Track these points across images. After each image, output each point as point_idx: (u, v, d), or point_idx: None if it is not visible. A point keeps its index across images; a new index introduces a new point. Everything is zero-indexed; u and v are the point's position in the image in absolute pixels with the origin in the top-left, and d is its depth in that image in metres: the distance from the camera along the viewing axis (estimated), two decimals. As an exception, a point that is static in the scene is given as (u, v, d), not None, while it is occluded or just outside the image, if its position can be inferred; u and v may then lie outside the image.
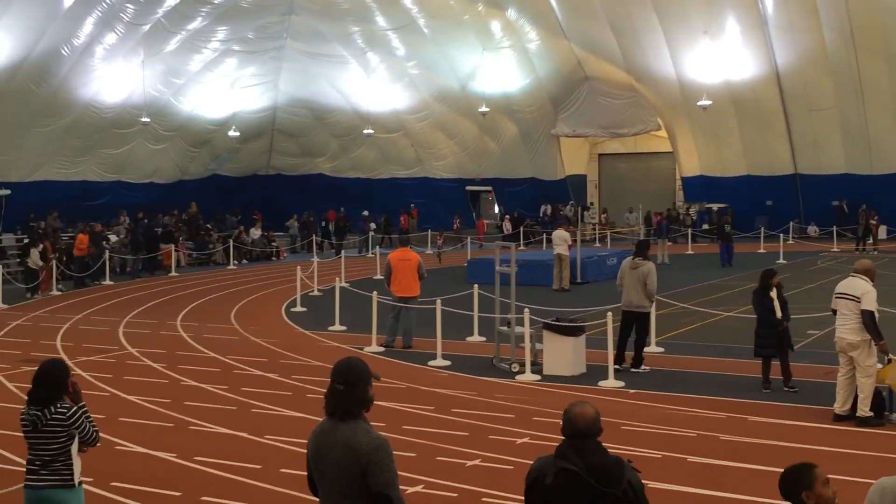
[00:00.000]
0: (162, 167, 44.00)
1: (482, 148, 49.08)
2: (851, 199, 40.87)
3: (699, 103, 39.34)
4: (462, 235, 44.16)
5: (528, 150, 48.88)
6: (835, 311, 11.81)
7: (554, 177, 50.24)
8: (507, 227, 46.14)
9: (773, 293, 13.49)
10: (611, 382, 14.00)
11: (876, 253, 35.56)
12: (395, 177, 51.01)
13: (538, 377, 14.56)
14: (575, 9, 42.15)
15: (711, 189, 45.82)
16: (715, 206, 44.58)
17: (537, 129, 48.32)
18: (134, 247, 33.58)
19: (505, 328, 15.61)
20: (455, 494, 9.04)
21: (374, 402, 4.93)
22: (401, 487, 4.82)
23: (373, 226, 43.57)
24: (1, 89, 32.10)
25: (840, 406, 11.70)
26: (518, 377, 14.61)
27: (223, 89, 43.53)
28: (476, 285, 18.99)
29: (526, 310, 15.01)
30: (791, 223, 41.99)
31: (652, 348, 16.35)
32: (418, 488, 9.12)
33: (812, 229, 43.75)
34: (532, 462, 4.87)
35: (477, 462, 10.09)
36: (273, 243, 41.48)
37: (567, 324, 15.04)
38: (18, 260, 30.06)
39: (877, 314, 11.44)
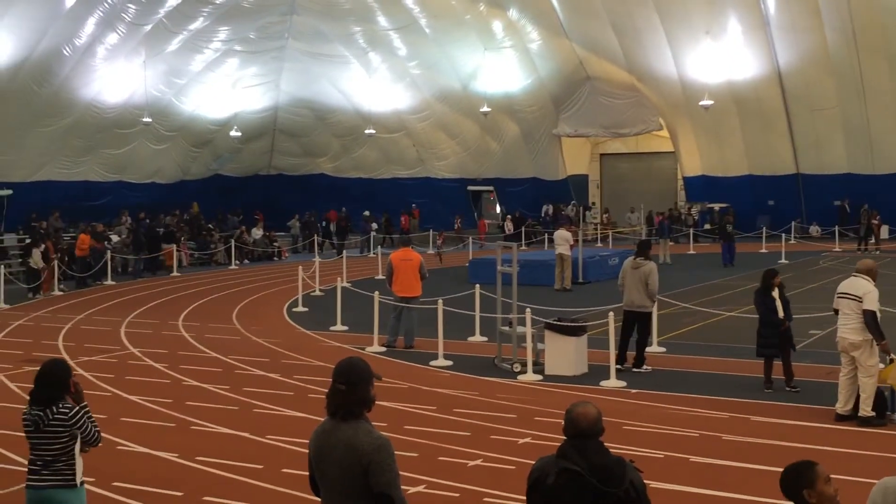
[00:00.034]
0: (164, 167, 44.02)
1: (484, 148, 49.08)
2: (853, 198, 40.83)
3: (701, 103, 39.32)
4: (463, 235, 44.15)
5: (530, 150, 48.88)
6: (836, 311, 11.81)
7: (555, 177, 50.22)
8: (509, 227, 46.12)
9: (776, 293, 13.48)
10: (613, 382, 14.00)
11: (878, 253, 35.53)
12: (397, 177, 51.01)
13: (540, 377, 14.56)
14: (576, 9, 42.14)
15: (713, 189, 45.80)
16: (717, 206, 44.57)
17: (539, 129, 48.31)
18: (136, 247, 33.59)
19: (507, 328, 15.60)
20: (457, 494, 9.04)
21: (376, 402, 4.93)
22: (402, 487, 4.82)
23: (374, 226, 43.58)
24: (3, 89, 32.12)
25: (842, 406, 11.69)
26: (520, 377, 14.61)
27: (225, 89, 43.56)
28: (478, 285, 18.99)
29: (528, 310, 15.00)
30: (793, 223, 41.96)
31: (654, 348, 16.34)
32: (420, 488, 9.12)
33: (814, 229, 43.72)
34: (534, 462, 4.87)
35: (479, 462, 10.09)
36: (275, 243, 41.48)
37: (569, 324, 15.04)
38: (20, 260, 30.07)
39: (878, 314, 11.43)
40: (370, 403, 4.86)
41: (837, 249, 37.82)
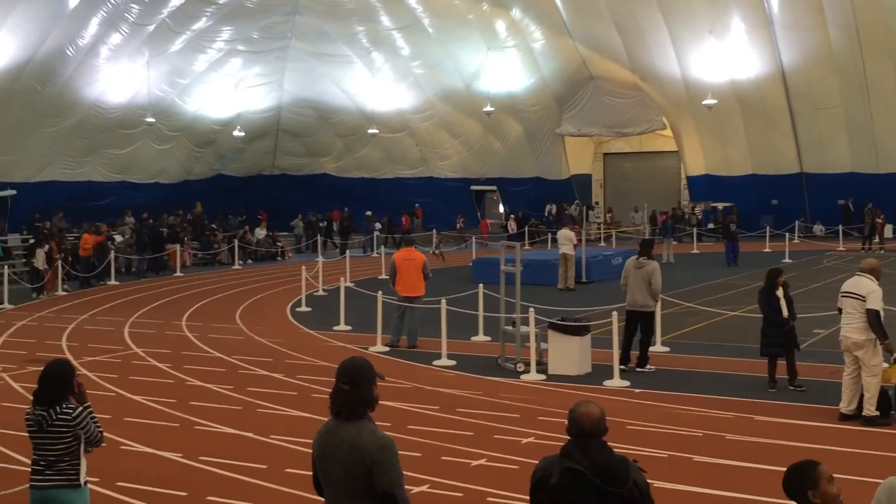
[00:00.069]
0: (167, 167, 44.06)
1: (487, 147, 49.07)
2: (857, 197, 40.81)
3: (704, 102, 39.30)
4: (466, 235, 44.16)
5: (533, 150, 48.86)
6: (840, 311, 11.79)
7: (559, 176, 50.20)
8: (512, 226, 46.11)
9: (780, 292, 13.47)
10: (616, 382, 13.99)
11: (882, 252, 35.49)
12: (400, 176, 51.02)
13: (543, 377, 14.55)
14: (580, 8, 42.12)
15: (717, 188, 45.76)
16: (720, 206, 44.55)
17: (542, 129, 48.29)
18: (139, 247, 33.61)
19: (510, 328, 15.59)
20: (460, 494, 9.03)
21: (379, 402, 4.93)
22: (406, 487, 4.82)
23: (378, 226, 43.59)
24: (6, 90, 32.18)
25: (846, 405, 11.68)
26: (523, 377, 14.60)
27: (228, 89, 43.59)
28: (481, 285, 18.98)
29: (531, 309, 15.00)
30: (797, 222, 41.94)
31: (657, 348, 16.33)
32: (424, 488, 9.12)
33: (818, 228, 43.72)
34: (537, 462, 4.86)
35: (482, 462, 10.08)
36: (278, 243, 41.51)
37: (572, 323, 15.03)
38: (24, 260, 30.11)
39: (882, 313, 11.42)
40: (373, 403, 4.86)
41: (841, 248, 37.79)
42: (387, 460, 4.69)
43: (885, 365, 11.53)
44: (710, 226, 44.32)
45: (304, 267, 25.63)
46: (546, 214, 48.50)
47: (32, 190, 36.77)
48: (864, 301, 11.32)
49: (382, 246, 38.49)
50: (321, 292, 26.20)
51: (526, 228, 44.56)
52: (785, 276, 13.88)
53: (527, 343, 14.91)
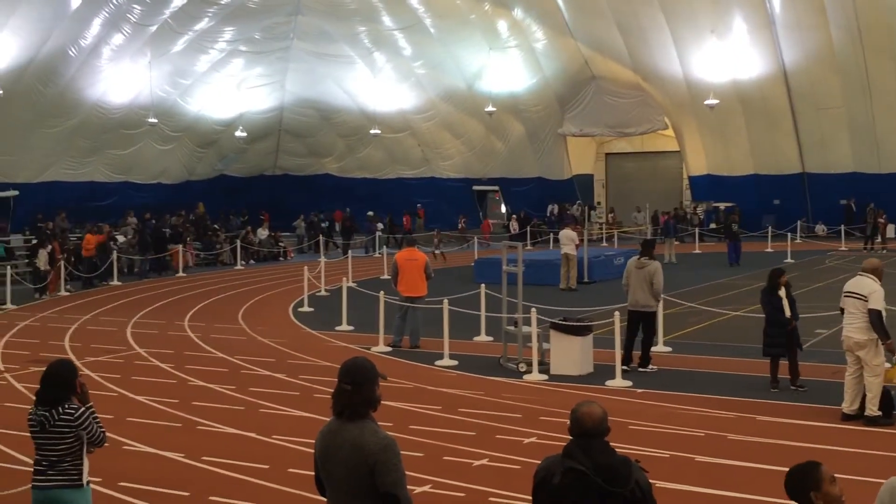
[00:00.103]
0: (169, 168, 44.07)
1: (489, 147, 49.06)
2: (859, 197, 40.79)
3: (706, 102, 39.30)
4: (467, 235, 44.18)
5: (535, 150, 48.86)
6: (842, 310, 11.79)
7: (561, 176, 50.20)
8: (514, 226, 46.11)
9: (782, 292, 13.47)
10: (618, 382, 13.99)
11: (884, 252, 35.47)
12: (402, 177, 51.01)
13: (545, 377, 14.56)
14: (581, 8, 42.12)
15: (719, 188, 45.74)
16: (722, 206, 44.52)
17: (544, 129, 48.28)
18: (142, 247, 33.64)
19: (512, 328, 15.60)
20: (462, 494, 9.04)
21: (382, 402, 4.93)
22: (408, 487, 4.82)
23: (380, 226, 43.60)
24: (8, 90, 32.20)
25: (848, 405, 11.68)
26: (525, 377, 14.60)
27: (230, 90, 43.59)
28: (483, 285, 18.98)
29: (533, 309, 15.00)
30: (799, 222, 41.92)
31: (659, 348, 16.33)
32: (426, 488, 9.12)
33: (820, 228, 43.68)
34: (539, 462, 4.87)
35: (484, 462, 10.09)
36: (280, 243, 41.53)
37: (574, 323, 15.03)
38: (27, 261, 30.14)
39: (884, 313, 11.41)
40: (376, 403, 4.86)
41: (843, 248, 37.78)
42: (389, 460, 4.70)
43: (888, 365, 11.53)
44: (712, 226, 44.29)
45: (306, 267, 25.64)
46: (548, 214, 48.50)
47: (35, 190, 36.79)
48: (867, 301, 11.32)
49: (384, 246, 38.50)
50: (323, 292, 26.21)
51: (528, 228, 44.56)
52: (787, 276, 13.87)
53: (529, 343, 14.92)
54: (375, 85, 46.11)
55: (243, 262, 36.89)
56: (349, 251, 35.39)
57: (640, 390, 13.64)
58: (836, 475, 4.57)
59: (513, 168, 49.23)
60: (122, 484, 9.42)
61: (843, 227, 39.86)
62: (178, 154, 44.04)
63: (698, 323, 19.47)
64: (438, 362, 15.92)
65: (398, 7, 41.74)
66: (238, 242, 37.22)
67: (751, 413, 12.10)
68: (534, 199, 49.10)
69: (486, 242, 43.39)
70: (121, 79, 37.56)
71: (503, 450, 10.46)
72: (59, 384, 6.38)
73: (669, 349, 16.63)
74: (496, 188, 51.17)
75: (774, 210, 44.01)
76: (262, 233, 41.16)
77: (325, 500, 4.98)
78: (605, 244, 41.81)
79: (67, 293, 27.81)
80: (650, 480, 4.71)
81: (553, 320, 15.15)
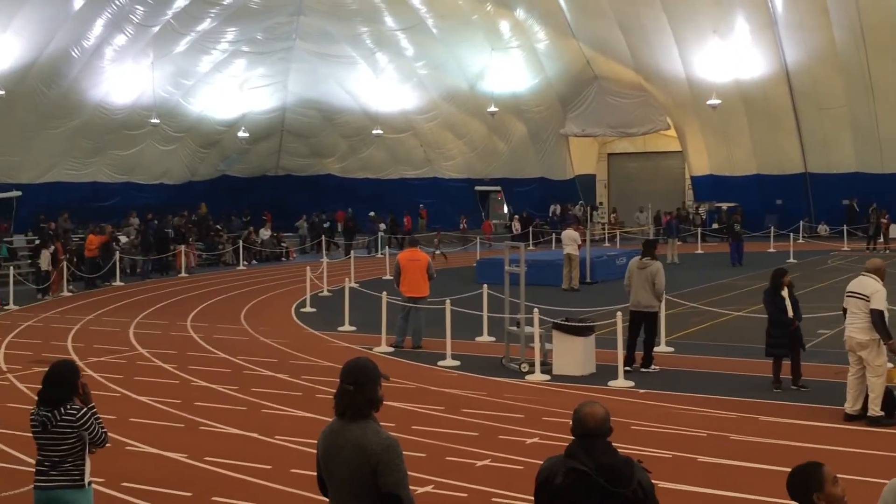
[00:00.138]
0: (171, 168, 44.11)
1: (491, 148, 49.07)
2: (862, 197, 40.76)
3: (709, 102, 39.30)
4: (469, 235, 44.18)
5: (537, 150, 48.86)
6: (845, 311, 11.78)
7: (563, 176, 50.20)
8: (517, 227, 46.12)
9: (785, 292, 13.46)
10: (620, 382, 13.99)
11: (887, 252, 35.45)
12: (405, 177, 51.02)
13: (548, 377, 14.55)
14: (583, 8, 42.12)
15: (721, 188, 45.73)
16: (725, 206, 44.52)
17: (546, 129, 48.29)
18: (144, 248, 33.67)
19: (514, 328, 15.60)
20: (465, 495, 9.04)
21: (384, 403, 4.93)
22: (411, 488, 4.82)
23: (382, 226, 43.61)
24: (11, 91, 32.23)
25: (850, 406, 11.67)
26: (528, 377, 14.60)
27: (232, 90, 43.61)
28: (485, 285, 18.98)
29: (535, 310, 15.00)
30: (801, 222, 41.90)
31: (662, 348, 16.33)
32: (428, 488, 9.12)
33: (822, 228, 43.66)
34: (542, 462, 4.87)
35: (487, 462, 10.09)
36: (282, 244, 41.56)
37: (577, 324, 15.03)
38: (29, 261, 30.17)
39: (886, 313, 11.40)
40: (378, 404, 4.86)
41: (846, 248, 37.75)
42: (391, 461, 4.70)
43: (890, 365, 11.52)
44: (715, 226, 44.29)
45: (308, 268, 25.65)
46: (550, 215, 48.51)
47: (38, 191, 36.82)
48: (869, 301, 11.31)
49: (387, 247, 38.52)
50: (326, 293, 26.22)
51: (530, 229, 44.57)
52: (790, 276, 13.87)
53: (531, 343, 14.91)
54: (378, 85, 46.12)
55: (246, 263, 36.91)
56: (351, 251, 35.38)
57: (642, 391, 13.64)
58: (838, 476, 4.57)
59: (515, 168, 49.24)
60: (124, 484, 9.42)
61: (845, 228, 39.84)
62: (180, 154, 44.08)
63: (701, 323, 19.46)
64: (441, 363, 15.92)
65: (400, 7, 41.74)
66: (240, 243, 37.25)
67: (753, 413, 12.09)
68: (536, 199, 49.11)
69: (487, 242, 43.42)
70: (123, 79, 37.59)
71: (505, 450, 10.46)
72: (61, 385, 6.39)
73: (672, 349, 16.63)
74: (498, 188, 51.18)
75: (777, 210, 43.99)
76: (265, 233, 41.19)
77: (327, 500, 4.98)
78: (607, 244, 41.78)
79: (70, 294, 27.84)
80: (652, 481, 4.71)
81: (555, 321, 15.15)
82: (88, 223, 35.16)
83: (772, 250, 37.46)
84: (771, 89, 41.53)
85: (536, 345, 14.72)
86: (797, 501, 4.51)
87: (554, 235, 40.84)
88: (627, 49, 42.93)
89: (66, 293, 27.72)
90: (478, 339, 18.24)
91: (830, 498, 4.46)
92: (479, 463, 10.06)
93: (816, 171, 43.42)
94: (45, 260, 27.13)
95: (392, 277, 19.43)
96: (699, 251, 38.75)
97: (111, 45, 35.73)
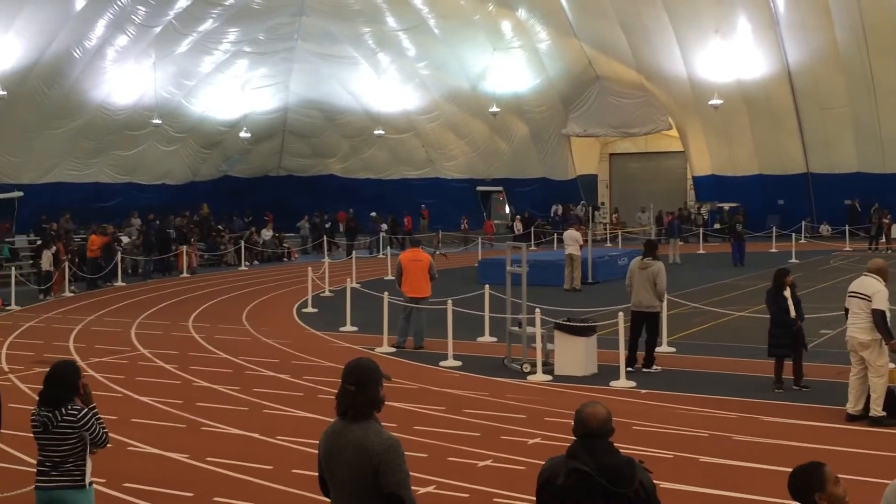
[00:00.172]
0: (173, 168, 44.11)
1: (493, 148, 49.08)
2: (864, 197, 40.76)
3: (710, 102, 39.28)
4: (470, 236, 44.17)
5: (539, 150, 48.87)
6: (847, 311, 11.77)
7: (565, 177, 50.20)
8: (518, 227, 46.12)
9: (787, 292, 13.45)
10: (622, 382, 13.98)
11: (889, 252, 35.43)
12: (406, 177, 51.01)
13: (549, 377, 14.54)
14: (585, 8, 42.12)
15: (723, 188, 45.73)
16: (726, 206, 44.52)
17: (548, 129, 48.30)
18: (146, 248, 33.70)
19: (516, 328, 15.59)
20: (467, 495, 9.03)
21: (386, 403, 4.93)
22: (412, 488, 4.82)
23: (384, 226, 43.63)
24: (13, 92, 32.24)
25: (852, 406, 11.66)
26: (529, 377, 14.60)
27: (234, 91, 43.61)
28: (487, 286, 18.97)
29: (537, 310, 14.99)
30: (803, 222, 41.88)
31: (663, 348, 16.32)
32: (430, 489, 9.12)
33: (824, 228, 43.64)
34: (544, 462, 4.87)
35: (488, 462, 10.08)
36: (284, 244, 41.56)
37: (578, 324, 15.02)
38: (31, 262, 30.18)
39: (888, 313, 11.39)
40: (380, 404, 4.86)
41: (848, 249, 37.73)
42: (393, 461, 4.69)
43: (892, 365, 11.51)
44: (717, 226, 44.29)
45: (310, 268, 25.65)
46: (552, 215, 48.52)
47: (39, 191, 36.82)
48: (871, 301, 11.30)
49: (388, 247, 38.51)
50: (327, 293, 26.23)
51: (532, 229, 44.56)
52: (792, 276, 13.86)
53: (533, 344, 14.90)
54: (379, 86, 46.13)
55: (247, 263, 36.92)
56: (353, 252, 35.39)
57: (644, 391, 13.63)
58: (840, 476, 4.56)
59: (517, 168, 49.24)
60: (126, 484, 9.42)
61: (847, 228, 39.83)
62: (182, 155, 44.09)
63: (702, 323, 19.45)
64: (442, 363, 15.91)
65: (402, 8, 41.75)
66: (242, 243, 37.26)
67: (755, 413, 12.08)
68: (538, 199, 49.12)
69: (489, 243, 43.43)
70: (125, 80, 37.60)
71: (507, 450, 10.46)
72: (62, 385, 6.40)
73: (673, 350, 16.62)
74: (500, 189, 51.20)
75: (779, 210, 43.98)
76: (267, 233, 41.20)
77: (328, 500, 4.98)
78: (609, 245, 41.77)
79: (72, 294, 27.86)
80: (654, 481, 4.71)
81: (557, 321, 15.14)
82: (90, 224, 35.16)
83: (774, 250, 37.44)
84: (773, 89, 41.52)
85: (538, 345, 14.71)
86: (799, 501, 4.51)
87: (555, 236, 40.83)
88: (629, 49, 42.93)
89: (67, 294, 27.74)
90: (479, 339, 18.24)
91: (832, 498, 4.46)
92: (481, 463, 10.05)
93: (818, 171, 43.42)
94: (46, 260, 27.15)
95: (394, 278, 19.41)
96: (701, 251, 38.73)
97: (113, 45, 35.74)
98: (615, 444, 4.70)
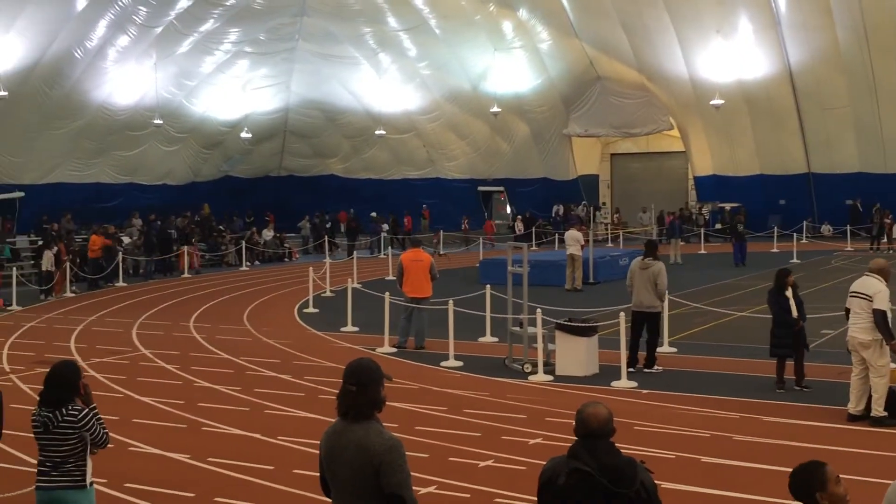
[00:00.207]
0: (174, 169, 44.13)
1: (494, 148, 49.08)
2: (865, 197, 40.74)
3: (712, 102, 39.27)
4: (471, 236, 44.17)
5: (540, 151, 48.87)
6: (848, 311, 11.76)
7: (566, 177, 50.19)
8: (520, 227, 46.12)
9: (789, 292, 13.44)
10: (623, 383, 13.97)
11: (890, 252, 35.40)
12: (407, 177, 51.02)
13: (551, 378, 14.54)
14: (586, 8, 42.11)
15: (724, 188, 45.72)
16: (728, 206, 44.51)
17: (549, 130, 48.30)
18: (147, 248, 33.71)
19: (517, 328, 15.58)
20: (468, 495, 9.03)
21: (387, 403, 4.92)
22: (414, 488, 4.82)
23: (385, 227, 43.63)
24: (14, 92, 32.26)
25: (854, 406, 11.65)
26: (530, 378, 14.59)
27: (235, 91, 43.63)
28: (488, 286, 18.98)
29: (538, 310, 14.98)
30: (804, 222, 41.87)
31: (665, 348, 16.31)
32: (431, 489, 9.12)
33: (826, 228, 43.63)
34: (545, 462, 4.86)
35: (490, 463, 10.08)
36: (285, 244, 41.57)
37: (579, 324, 15.01)
38: (32, 262, 30.19)
39: (889, 313, 11.38)
40: (381, 404, 4.85)
41: (849, 249, 37.72)
42: (394, 461, 4.69)
43: (893, 365, 11.50)
44: (718, 226, 44.28)
45: (311, 268, 25.65)
46: (553, 215, 48.52)
47: (40, 192, 36.84)
48: (872, 301, 11.29)
49: (389, 247, 38.51)
50: (328, 293, 26.23)
51: (533, 229, 44.56)
52: (793, 276, 13.85)
53: (534, 344, 14.89)
54: (380, 86, 46.13)
55: (248, 263, 36.93)
56: (354, 252, 35.39)
57: (645, 391, 13.62)
58: (841, 476, 4.55)
59: (518, 169, 49.24)
60: (127, 485, 9.42)
61: (848, 228, 39.82)
62: (183, 155, 44.10)
63: (704, 323, 19.44)
64: (443, 363, 15.91)
65: (403, 8, 41.75)
66: (243, 243, 37.27)
67: (756, 414, 12.07)
68: (539, 199, 49.11)
69: (490, 243, 43.42)
70: (126, 80, 37.61)
71: (508, 451, 10.45)
72: (63, 385, 6.39)
73: (675, 350, 16.61)
74: (501, 189, 51.20)
75: (780, 210, 43.97)
76: (268, 234, 41.21)
77: (330, 501, 4.98)
78: (610, 245, 41.78)
79: (73, 294, 27.87)
80: (655, 481, 4.71)
81: (558, 321, 15.13)
82: (91, 224, 35.17)
83: (775, 250, 37.43)
84: (774, 89, 41.51)
85: (539, 345, 14.71)
86: (800, 501, 4.50)
87: (557, 236, 40.82)
88: (630, 49, 42.92)
89: (68, 294, 27.75)
90: (481, 339, 18.23)
91: (833, 497, 4.46)
92: (482, 463, 10.05)
93: (820, 172, 43.40)
94: (47, 261, 27.15)
95: (395, 278, 19.41)
96: (702, 251, 38.72)
97: (114, 45, 35.76)
98: (616, 445, 4.69)
